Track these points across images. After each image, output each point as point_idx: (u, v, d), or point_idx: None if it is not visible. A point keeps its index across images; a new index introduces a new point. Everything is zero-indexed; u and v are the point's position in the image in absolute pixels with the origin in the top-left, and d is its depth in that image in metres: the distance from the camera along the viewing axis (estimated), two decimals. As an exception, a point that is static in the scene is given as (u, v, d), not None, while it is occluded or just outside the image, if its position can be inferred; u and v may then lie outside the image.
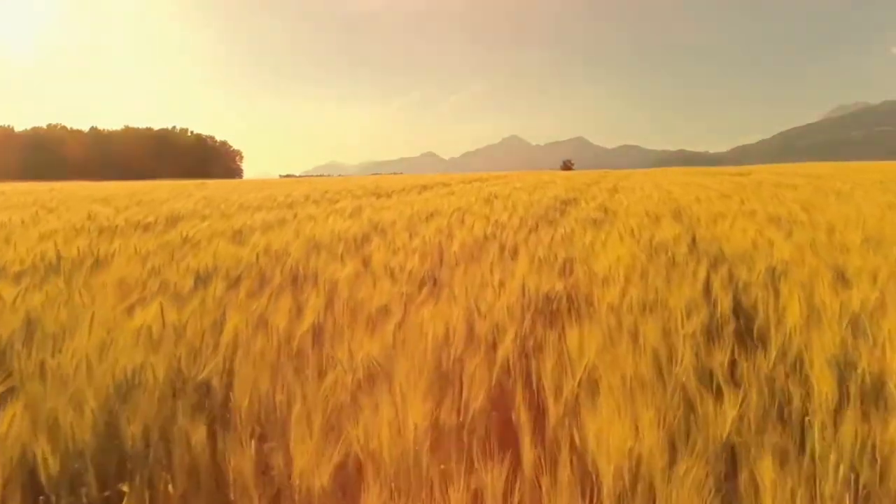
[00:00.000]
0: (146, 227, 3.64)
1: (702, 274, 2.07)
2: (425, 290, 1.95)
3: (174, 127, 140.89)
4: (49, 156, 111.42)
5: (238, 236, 3.14)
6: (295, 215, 4.19)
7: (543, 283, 1.97)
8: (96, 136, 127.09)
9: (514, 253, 2.80)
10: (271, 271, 2.22)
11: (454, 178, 15.19)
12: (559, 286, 2.00)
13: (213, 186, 13.00)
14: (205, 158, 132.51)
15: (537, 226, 3.95)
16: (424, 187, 9.34)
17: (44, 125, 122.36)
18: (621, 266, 2.20)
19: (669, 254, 2.48)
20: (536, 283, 1.98)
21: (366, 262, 2.46)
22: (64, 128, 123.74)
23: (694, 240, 2.80)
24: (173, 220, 4.05)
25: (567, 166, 75.83)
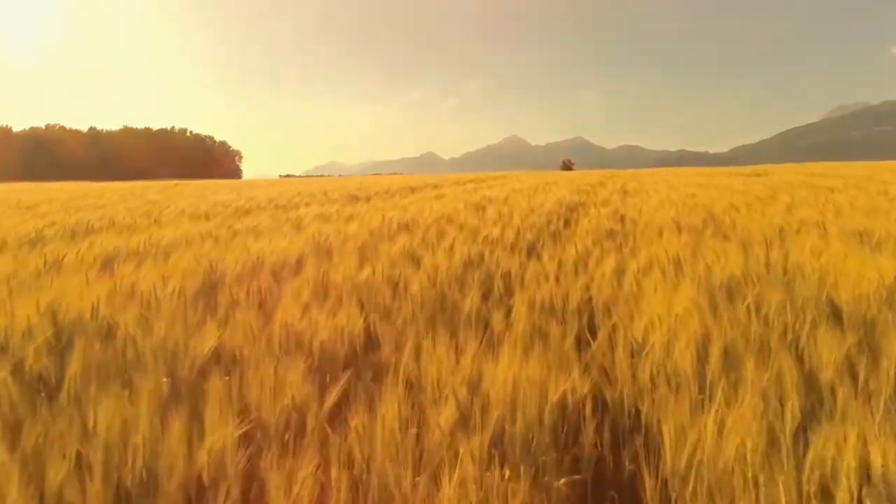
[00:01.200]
0: (3, 247, 2.73)
1: (834, 355, 1.16)
2: (331, 400, 1.04)
3: (173, 127, 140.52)
4: (48, 156, 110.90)
5: (117, 261, 2.23)
6: (230, 227, 3.28)
7: (553, 379, 1.06)
8: (95, 136, 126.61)
9: (505, 296, 1.89)
10: (91, 339, 1.31)
11: (448, 178, 14.17)
12: (583, 386, 1.09)
13: (181, 188, 12.00)
14: (204, 158, 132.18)
15: (538, 243, 3.04)
16: (412, 189, 8.35)
17: (42, 125, 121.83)
18: (684, 332, 1.29)
19: (750, 303, 1.57)
20: (539, 374, 1.07)
21: (267, 318, 1.55)
22: (63, 128, 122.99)
23: (775, 275, 1.88)
24: (64, 237, 3.15)
25: (567, 166, 75.04)
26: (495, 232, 3.11)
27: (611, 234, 3.33)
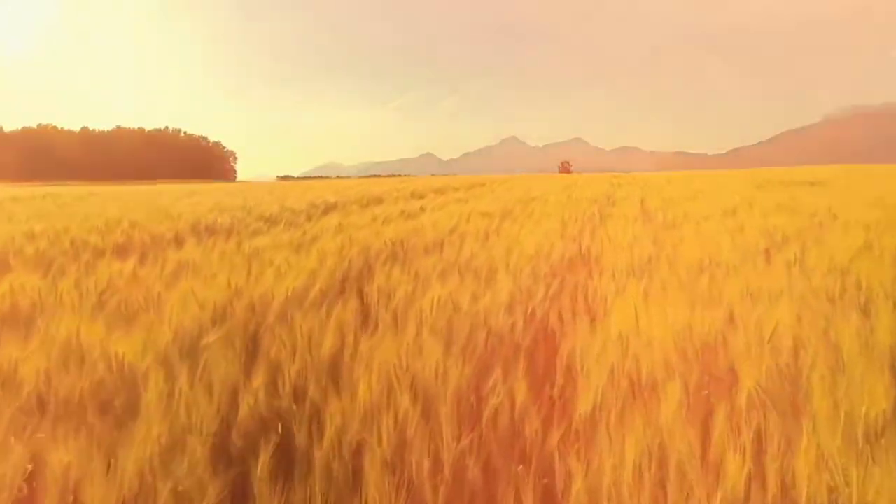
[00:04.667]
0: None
1: None
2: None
3: (167, 127, 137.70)
4: (40, 156, 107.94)
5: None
6: None
7: None
8: (88, 137, 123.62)
9: None
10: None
11: (405, 189, 11.12)
12: None
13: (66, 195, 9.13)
14: (198, 159, 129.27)
15: None
16: (329, 208, 5.59)
17: (34, 125, 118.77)
18: None
19: None
20: None
21: None
22: (54, 128, 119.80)
23: None
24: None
25: (565, 168, 72.24)
26: None
27: None
